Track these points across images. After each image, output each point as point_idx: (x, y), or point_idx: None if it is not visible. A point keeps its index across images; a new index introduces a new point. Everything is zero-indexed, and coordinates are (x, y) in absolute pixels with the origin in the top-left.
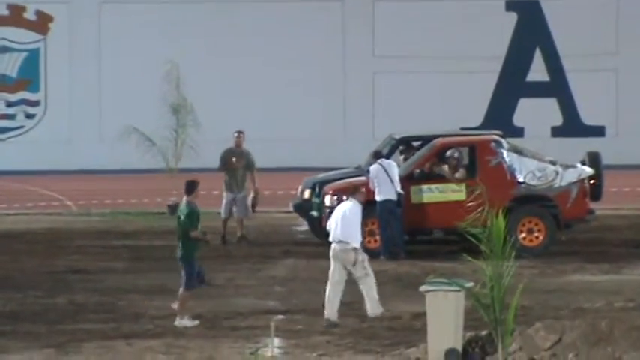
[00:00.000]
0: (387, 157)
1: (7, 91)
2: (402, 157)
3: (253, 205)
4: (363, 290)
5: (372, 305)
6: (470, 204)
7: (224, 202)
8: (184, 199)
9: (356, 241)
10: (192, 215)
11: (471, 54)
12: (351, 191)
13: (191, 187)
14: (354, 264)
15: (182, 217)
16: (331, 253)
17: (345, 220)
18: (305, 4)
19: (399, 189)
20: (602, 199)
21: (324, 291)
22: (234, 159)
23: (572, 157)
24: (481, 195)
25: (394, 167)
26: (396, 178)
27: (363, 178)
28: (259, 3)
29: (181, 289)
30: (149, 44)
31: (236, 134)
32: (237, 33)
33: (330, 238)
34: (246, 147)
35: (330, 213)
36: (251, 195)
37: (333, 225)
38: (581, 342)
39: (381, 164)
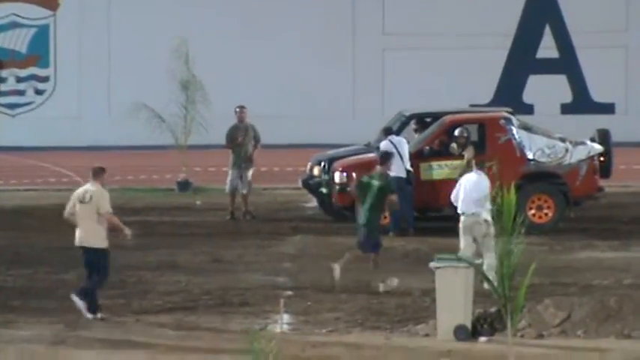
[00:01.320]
0: (397, 133)
1: (16, 66)
2: (416, 135)
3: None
4: (485, 265)
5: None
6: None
7: (229, 178)
8: (378, 168)
9: (486, 213)
10: (391, 182)
11: (480, 31)
12: (478, 164)
13: (385, 158)
14: (485, 236)
15: (377, 184)
16: (461, 226)
17: (474, 193)
18: None
19: (408, 166)
20: (611, 176)
21: (333, 267)
22: (240, 135)
23: (581, 134)
24: (493, 170)
25: (404, 144)
26: (406, 156)
27: (372, 155)
28: None
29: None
30: (158, 20)
31: (238, 109)
32: (245, 10)
33: (459, 211)
34: (249, 121)
35: (341, 189)
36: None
37: (461, 197)
38: (590, 319)
39: (391, 141)
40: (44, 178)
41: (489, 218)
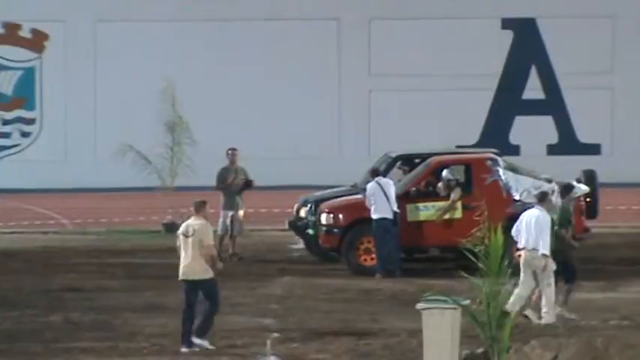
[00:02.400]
0: (384, 174)
1: (2, 109)
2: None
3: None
4: (544, 299)
5: (548, 314)
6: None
7: (221, 219)
8: (561, 201)
9: (546, 248)
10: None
11: (466, 72)
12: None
13: (566, 190)
14: (544, 269)
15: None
16: (521, 261)
17: (535, 228)
18: (301, 23)
19: (395, 207)
20: (598, 216)
21: (320, 309)
22: (230, 177)
23: (568, 175)
24: (482, 211)
25: (391, 185)
26: (393, 197)
27: (359, 196)
28: (255, 22)
29: (565, 285)
30: (144, 63)
31: (230, 151)
32: (232, 51)
33: (520, 246)
34: (240, 164)
35: (327, 231)
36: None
37: (524, 233)
38: None
39: (378, 182)
40: (30, 221)
41: (548, 253)
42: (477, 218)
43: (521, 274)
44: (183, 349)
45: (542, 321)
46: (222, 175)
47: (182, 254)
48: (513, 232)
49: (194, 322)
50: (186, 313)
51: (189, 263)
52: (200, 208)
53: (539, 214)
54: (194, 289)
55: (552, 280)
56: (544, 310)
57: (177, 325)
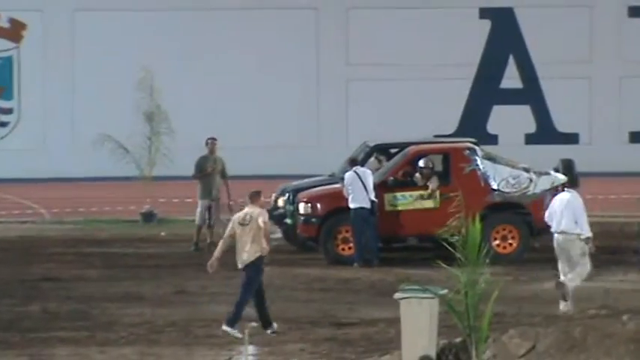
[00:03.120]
0: (362, 164)
1: None
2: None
3: (231, 210)
4: (571, 276)
5: (573, 280)
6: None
7: (199, 209)
8: None
9: (586, 231)
10: None
11: (444, 61)
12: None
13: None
14: (583, 254)
15: None
16: (555, 245)
17: (567, 212)
18: (279, 12)
19: (372, 197)
20: None
21: (299, 298)
22: (209, 166)
23: (545, 164)
24: (459, 201)
25: (369, 175)
26: (371, 186)
27: (337, 186)
28: (233, 11)
29: None
30: (123, 52)
31: (209, 140)
32: (210, 41)
33: (553, 230)
34: (218, 154)
35: (305, 220)
36: (231, 202)
37: (558, 216)
38: (555, 349)
39: (355, 171)
40: (8, 210)
41: (590, 234)
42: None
43: (559, 264)
44: (269, 331)
45: (570, 283)
46: (201, 164)
47: (238, 243)
48: (546, 216)
49: (265, 305)
50: (257, 297)
51: (246, 251)
52: (255, 197)
53: (570, 197)
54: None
55: (588, 263)
56: (570, 276)
57: (154, 314)
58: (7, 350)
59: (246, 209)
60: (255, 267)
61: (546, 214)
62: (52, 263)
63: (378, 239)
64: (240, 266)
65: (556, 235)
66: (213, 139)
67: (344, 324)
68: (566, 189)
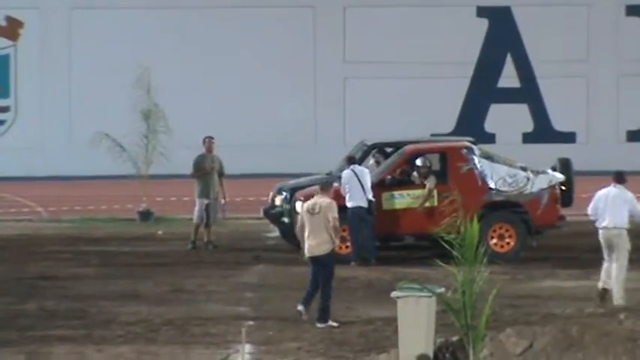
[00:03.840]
0: (359, 162)
1: None
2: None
3: (223, 211)
4: (616, 272)
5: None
6: (443, 209)
7: (197, 207)
8: None
9: (624, 223)
10: None
11: (442, 60)
12: (616, 179)
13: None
14: (621, 247)
15: None
16: (601, 240)
17: (616, 206)
18: (276, 11)
19: (370, 196)
20: (573, 205)
21: (296, 297)
22: (207, 164)
23: (543, 163)
24: (455, 201)
25: (366, 174)
26: (368, 185)
27: (334, 184)
28: (230, 9)
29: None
30: (120, 50)
31: (207, 139)
32: (207, 39)
33: (598, 224)
34: (215, 153)
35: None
36: (222, 201)
37: (601, 212)
38: (552, 348)
39: (353, 170)
40: (4, 209)
41: (624, 227)
42: (444, 208)
43: (605, 263)
44: (299, 307)
45: (618, 278)
46: (199, 163)
47: (306, 232)
48: (590, 210)
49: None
50: (312, 286)
51: (315, 240)
52: (327, 187)
53: (617, 192)
54: (318, 265)
55: (626, 259)
56: (614, 273)
57: (151, 312)
58: (4, 348)
59: (315, 198)
60: (329, 259)
61: (590, 208)
62: (48, 261)
63: (375, 238)
64: (306, 255)
65: (600, 230)
66: (211, 137)
67: (341, 323)
68: (613, 184)
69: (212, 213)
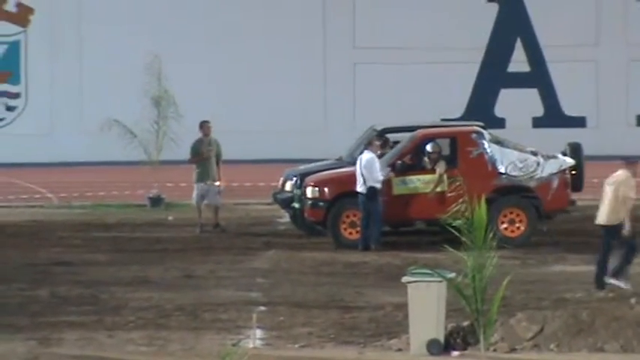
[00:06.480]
0: (366, 148)
1: None
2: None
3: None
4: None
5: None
6: (451, 194)
7: (196, 192)
8: None
9: None
10: None
11: (452, 45)
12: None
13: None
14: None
15: None
16: None
17: None
18: None
19: (373, 182)
20: (583, 189)
21: (306, 282)
22: (205, 149)
23: (553, 148)
24: (461, 186)
25: (370, 160)
26: (373, 173)
27: (345, 169)
28: None
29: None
30: (131, 36)
31: (204, 123)
32: (217, 26)
33: None
34: (213, 136)
35: (313, 204)
36: (218, 184)
37: None
38: (562, 332)
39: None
40: (16, 195)
41: None
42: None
43: None
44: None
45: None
46: (197, 148)
47: (603, 200)
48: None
49: (607, 265)
50: (602, 255)
51: (604, 209)
52: (632, 164)
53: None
54: (606, 234)
55: None
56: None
57: (162, 298)
58: (15, 334)
59: (619, 172)
60: (612, 231)
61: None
62: (60, 247)
63: (382, 225)
64: (596, 222)
65: None
66: (207, 121)
67: (351, 308)
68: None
69: (212, 196)
